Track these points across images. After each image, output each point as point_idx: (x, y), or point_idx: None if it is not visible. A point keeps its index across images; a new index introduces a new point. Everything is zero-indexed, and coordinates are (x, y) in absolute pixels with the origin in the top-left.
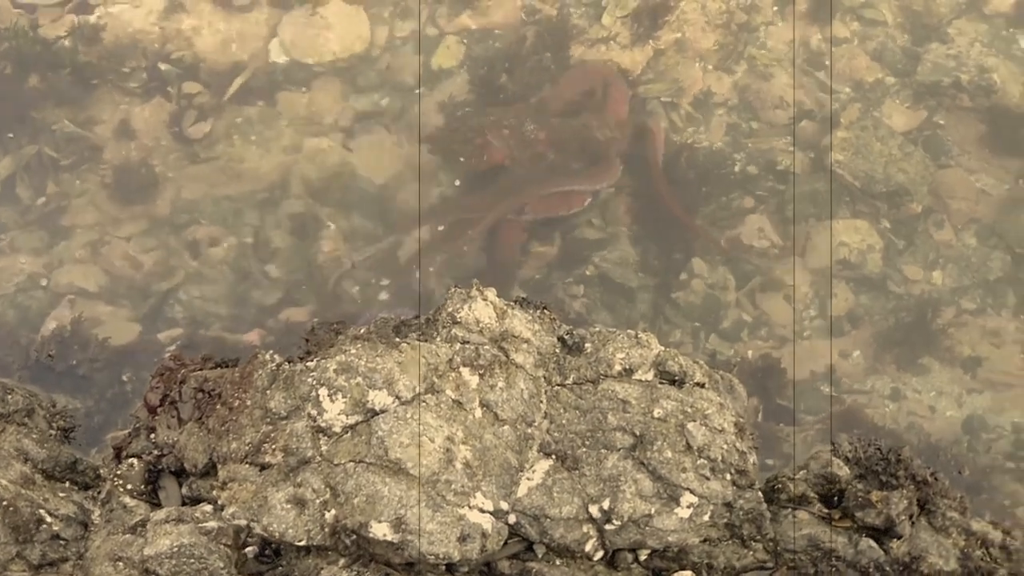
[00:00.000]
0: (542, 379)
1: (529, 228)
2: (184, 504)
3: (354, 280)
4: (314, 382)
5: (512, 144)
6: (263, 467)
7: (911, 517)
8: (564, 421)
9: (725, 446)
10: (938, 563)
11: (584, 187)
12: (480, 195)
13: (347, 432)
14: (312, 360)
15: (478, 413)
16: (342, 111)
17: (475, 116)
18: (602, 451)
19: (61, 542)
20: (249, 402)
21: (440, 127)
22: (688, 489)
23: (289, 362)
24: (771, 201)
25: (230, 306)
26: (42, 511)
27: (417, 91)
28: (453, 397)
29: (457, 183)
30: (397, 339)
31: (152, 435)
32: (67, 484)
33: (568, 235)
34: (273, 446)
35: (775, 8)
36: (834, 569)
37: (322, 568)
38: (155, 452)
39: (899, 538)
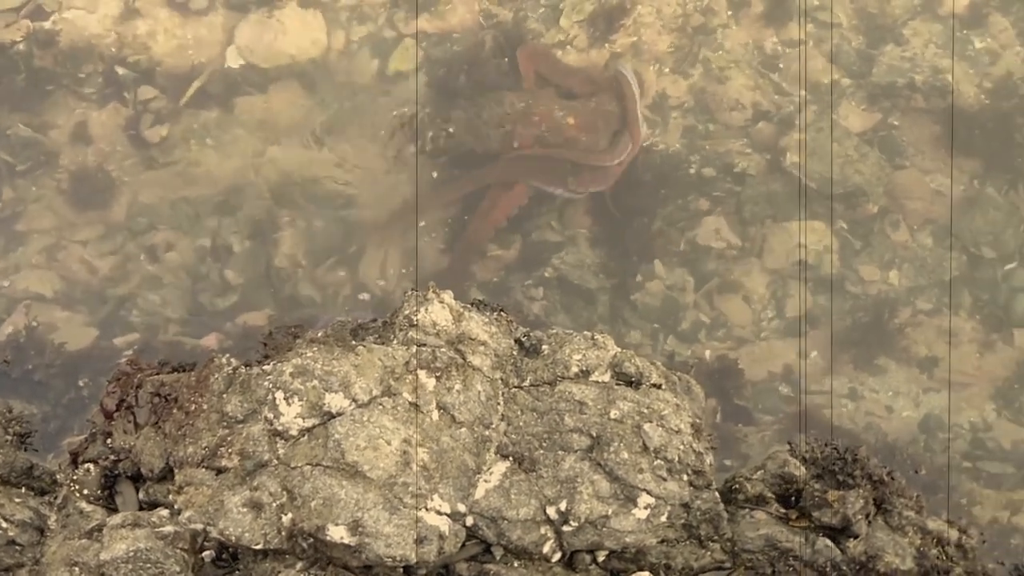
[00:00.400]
0: (499, 381)
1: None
2: (141, 509)
3: (315, 283)
4: (270, 385)
5: (544, 128)
6: (219, 471)
7: (867, 516)
8: (521, 423)
9: (682, 447)
10: (894, 562)
11: (608, 161)
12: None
13: (304, 435)
14: (268, 364)
15: (435, 415)
16: (300, 114)
17: (495, 106)
18: (559, 452)
19: (17, 547)
20: (205, 406)
21: (460, 118)
22: (645, 490)
23: (246, 366)
24: (728, 203)
25: (187, 310)
26: None
27: (367, 93)
28: (410, 400)
29: (435, 174)
30: (354, 342)
31: (109, 440)
32: (23, 490)
33: (527, 238)
34: (229, 450)
35: (729, 12)
36: (791, 568)
37: (279, 572)
38: (112, 457)
39: (855, 537)
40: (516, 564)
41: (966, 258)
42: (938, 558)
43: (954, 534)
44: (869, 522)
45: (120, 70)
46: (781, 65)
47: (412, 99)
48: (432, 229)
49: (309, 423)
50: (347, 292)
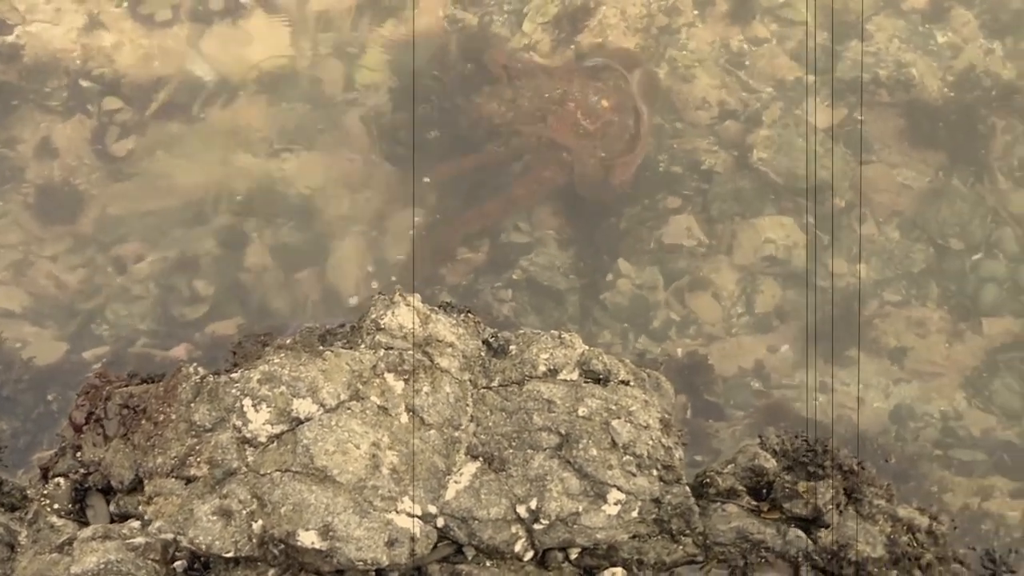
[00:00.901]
0: (468, 382)
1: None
2: (112, 521)
3: (285, 291)
4: (238, 393)
5: (580, 115)
6: (189, 480)
7: (838, 506)
8: (490, 423)
9: (650, 442)
10: (865, 550)
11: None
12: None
13: (273, 442)
14: (236, 371)
15: (404, 418)
16: (267, 123)
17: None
18: (528, 451)
19: None
20: (174, 416)
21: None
22: (615, 486)
23: (215, 374)
24: (696, 200)
25: (157, 322)
26: None
27: (335, 100)
28: (378, 403)
29: (426, 179)
30: (321, 347)
31: (78, 453)
32: None
33: (495, 240)
34: (198, 459)
35: (695, 11)
36: (763, 560)
37: None
38: (82, 470)
39: (827, 527)
40: (488, 564)
41: (933, 250)
42: (909, 545)
43: (924, 521)
44: (840, 512)
45: (85, 83)
46: (747, 63)
47: (381, 104)
48: (401, 237)
49: (277, 429)
50: (316, 298)
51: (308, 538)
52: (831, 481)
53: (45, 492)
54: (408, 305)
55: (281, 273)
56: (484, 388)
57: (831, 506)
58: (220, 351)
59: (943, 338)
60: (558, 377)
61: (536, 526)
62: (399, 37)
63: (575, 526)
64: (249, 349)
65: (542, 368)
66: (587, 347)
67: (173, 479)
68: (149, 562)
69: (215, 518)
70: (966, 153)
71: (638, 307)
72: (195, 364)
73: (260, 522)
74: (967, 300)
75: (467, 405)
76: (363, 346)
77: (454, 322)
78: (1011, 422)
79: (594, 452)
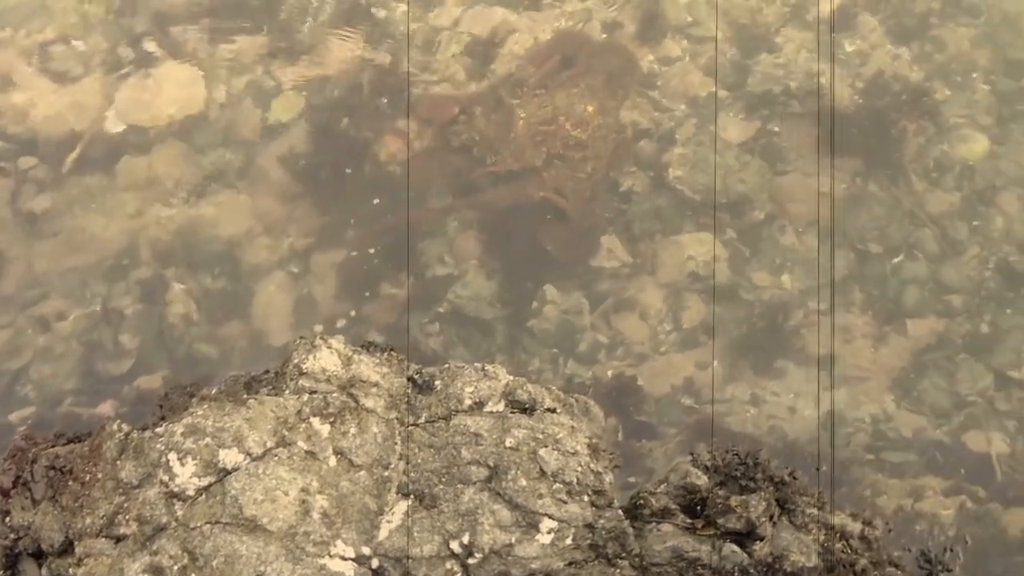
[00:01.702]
0: (395, 421)
1: None
2: None
3: (210, 340)
4: (163, 447)
5: (570, 127)
6: (119, 539)
7: (771, 518)
8: (420, 460)
9: (579, 468)
10: (800, 560)
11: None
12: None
13: (201, 494)
14: (160, 426)
15: (332, 461)
16: (184, 172)
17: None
18: (458, 486)
19: None
20: (100, 475)
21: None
22: (546, 514)
23: (141, 430)
24: (618, 222)
25: (82, 379)
26: None
27: (251, 144)
28: (305, 448)
29: (376, 201)
30: (246, 396)
31: (7, 518)
32: None
33: (419, 275)
34: (127, 516)
35: (603, 35)
36: None
37: None
38: (11, 535)
39: (761, 540)
40: None
41: (854, 255)
42: (843, 552)
43: (857, 527)
44: (774, 523)
45: None
46: (659, 82)
47: (296, 147)
48: (325, 277)
49: (205, 481)
50: (243, 346)
51: None
52: (763, 493)
53: None
54: (329, 348)
55: (206, 322)
56: (411, 425)
57: (764, 518)
58: (147, 405)
59: (869, 342)
60: (484, 409)
61: (471, 560)
62: (312, 76)
63: (509, 557)
64: (176, 401)
65: (468, 402)
66: (512, 377)
67: (103, 539)
68: None
69: None
70: (880, 158)
71: (565, 332)
72: (119, 421)
73: None
74: (890, 303)
75: (395, 444)
76: (287, 392)
77: (377, 361)
78: (940, 421)
79: (523, 482)
